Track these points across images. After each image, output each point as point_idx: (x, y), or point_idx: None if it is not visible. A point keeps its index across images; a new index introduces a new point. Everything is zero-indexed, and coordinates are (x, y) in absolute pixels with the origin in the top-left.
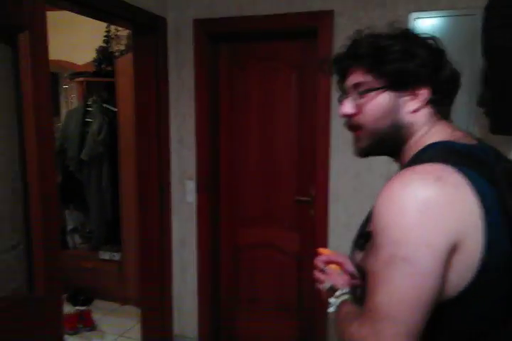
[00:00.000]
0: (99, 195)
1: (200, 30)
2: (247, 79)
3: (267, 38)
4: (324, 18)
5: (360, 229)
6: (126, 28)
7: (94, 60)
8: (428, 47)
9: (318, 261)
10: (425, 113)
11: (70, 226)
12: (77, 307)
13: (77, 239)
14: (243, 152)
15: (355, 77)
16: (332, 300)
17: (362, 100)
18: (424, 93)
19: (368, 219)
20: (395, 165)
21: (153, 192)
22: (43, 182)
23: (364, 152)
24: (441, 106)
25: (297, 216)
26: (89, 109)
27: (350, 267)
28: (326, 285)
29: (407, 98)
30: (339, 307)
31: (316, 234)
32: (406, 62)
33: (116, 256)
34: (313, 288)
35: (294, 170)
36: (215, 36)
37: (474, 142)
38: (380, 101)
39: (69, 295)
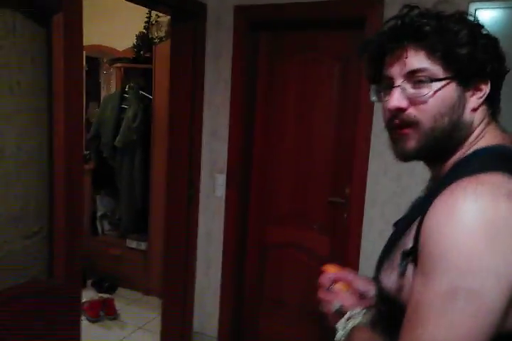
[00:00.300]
0: (130, 182)
1: (240, 18)
2: (286, 71)
3: (310, 28)
4: (373, 7)
5: (390, 245)
6: (166, 14)
7: (134, 46)
8: (490, 37)
9: (324, 279)
10: (484, 112)
11: (100, 212)
12: (101, 295)
13: (106, 225)
14: (277, 148)
15: (414, 62)
16: (340, 323)
17: (421, 91)
18: (485, 88)
19: (404, 235)
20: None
21: (182, 185)
22: (69, 166)
23: (411, 154)
24: (496, 105)
25: (329, 218)
26: (126, 95)
27: (362, 287)
28: (334, 306)
29: (469, 93)
30: (351, 332)
31: (348, 238)
32: (476, 50)
33: (143, 246)
34: None
35: (329, 169)
36: (255, 24)
37: None
38: (445, 94)
39: (94, 281)
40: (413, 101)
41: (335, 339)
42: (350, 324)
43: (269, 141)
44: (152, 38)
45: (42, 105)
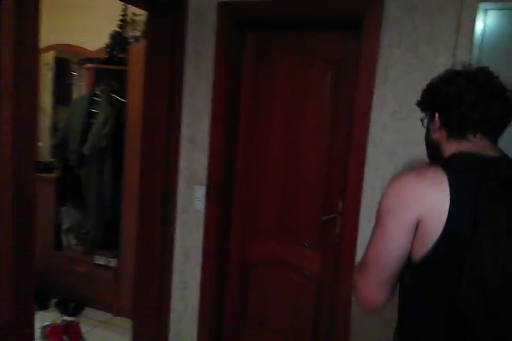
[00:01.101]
0: (99, 193)
1: (225, 15)
2: (274, 75)
3: (301, 28)
4: (372, 6)
5: None
6: (141, 8)
7: (107, 46)
8: (446, 86)
9: None
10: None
11: (65, 225)
12: (65, 318)
13: (72, 239)
14: (263, 157)
15: None
16: None
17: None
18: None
19: None
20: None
21: (156, 197)
22: (18, 179)
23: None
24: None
25: (320, 233)
26: (97, 98)
27: None
28: None
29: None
30: None
31: (340, 255)
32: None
33: (113, 262)
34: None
35: (320, 182)
36: (241, 23)
37: (494, 154)
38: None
39: (58, 301)
40: None
41: None
42: None
43: (255, 150)
44: (127, 37)
45: None
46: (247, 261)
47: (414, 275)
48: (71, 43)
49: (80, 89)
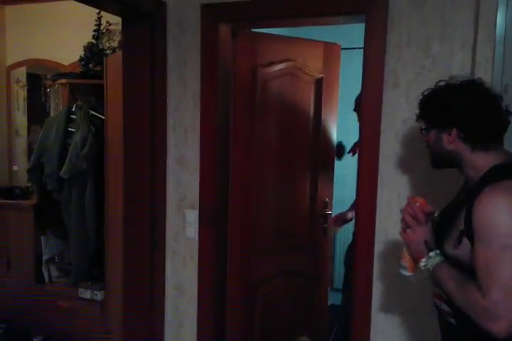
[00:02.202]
0: (80, 220)
1: (209, 19)
2: (268, 83)
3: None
4: (375, 1)
5: (447, 227)
6: (113, 13)
7: (81, 59)
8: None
9: (415, 209)
10: (459, 144)
11: (46, 256)
12: None
13: (54, 271)
14: (259, 175)
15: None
16: (428, 257)
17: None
18: (454, 131)
19: (456, 219)
20: None
21: (143, 223)
22: None
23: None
24: (472, 140)
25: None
26: (73, 116)
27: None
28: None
29: (444, 134)
30: (438, 266)
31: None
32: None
33: (99, 296)
34: None
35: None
36: (229, 27)
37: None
38: (430, 135)
39: (41, 340)
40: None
41: (422, 265)
42: (438, 258)
43: (250, 167)
44: (103, 48)
45: None
46: (251, 283)
47: None
48: (43, 58)
49: (56, 106)
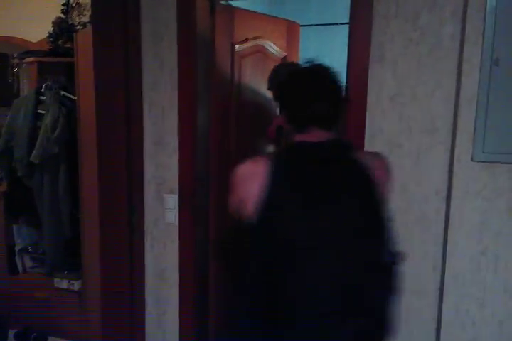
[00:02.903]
0: (54, 207)
1: None
2: (243, 61)
3: None
4: None
5: None
6: None
7: (50, 35)
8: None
9: None
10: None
11: (18, 246)
12: None
13: (28, 261)
14: (243, 156)
15: None
16: None
17: None
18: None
19: None
20: None
21: (120, 210)
22: None
23: None
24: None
25: None
26: (42, 97)
27: None
28: None
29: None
30: None
31: None
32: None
33: (76, 285)
34: None
35: None
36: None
37: (322, 140)
38: None
39: (18, 332)
40: None
41: None
42: None
43: (232, 148)
44: (73, 24)
45: None
46: None
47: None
48: (10, 35)
49: (25, 87)
